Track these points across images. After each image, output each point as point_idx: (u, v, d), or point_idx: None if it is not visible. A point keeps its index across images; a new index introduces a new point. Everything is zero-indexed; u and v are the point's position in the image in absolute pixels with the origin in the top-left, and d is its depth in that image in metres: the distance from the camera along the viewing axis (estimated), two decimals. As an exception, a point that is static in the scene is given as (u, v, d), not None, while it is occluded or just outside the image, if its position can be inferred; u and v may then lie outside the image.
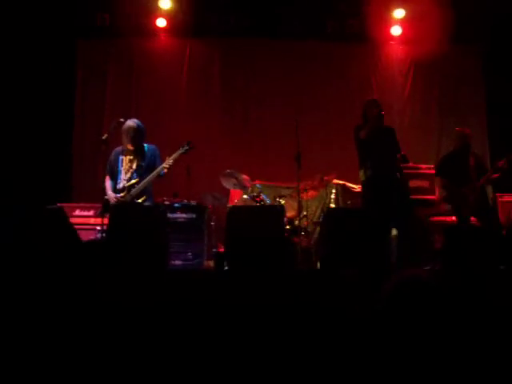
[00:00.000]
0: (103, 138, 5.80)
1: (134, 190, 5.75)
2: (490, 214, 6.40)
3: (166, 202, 6.64)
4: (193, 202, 6.63)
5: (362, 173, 5.86)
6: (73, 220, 6.79)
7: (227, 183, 7.12)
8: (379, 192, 5.70)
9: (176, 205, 6.50)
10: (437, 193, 6.85)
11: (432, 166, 6.84)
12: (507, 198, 6.89)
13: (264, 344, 3.42)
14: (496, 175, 6.47)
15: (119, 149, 5.95)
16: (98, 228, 6.27)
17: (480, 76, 8.81)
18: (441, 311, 3.77)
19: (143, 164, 5.82)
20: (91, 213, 7.00)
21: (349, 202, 7.01)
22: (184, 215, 6.42)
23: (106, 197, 5.80)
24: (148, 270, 5.24)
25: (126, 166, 5.85)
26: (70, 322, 3.63)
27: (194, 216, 6.43)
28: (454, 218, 6.53)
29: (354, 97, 8.44)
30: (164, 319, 4.13)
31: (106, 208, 5.63)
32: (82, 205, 7.15)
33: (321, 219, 6.39)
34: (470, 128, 6.97)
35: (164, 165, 5.71)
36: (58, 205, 6.51)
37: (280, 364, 3.11)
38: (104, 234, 5.53)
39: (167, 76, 8.82)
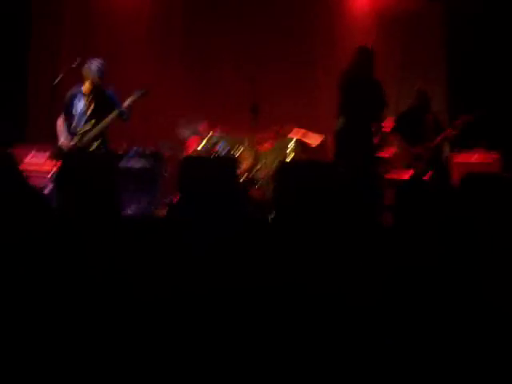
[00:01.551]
0: (58, 79, 5.71)
1: (89, 134, 5.66)
2: (442, 175, 6.51)
3: (121, 149, 6.56)
4: (148, 150, 6.57)
5: (338, 122, 5.87)
6: (27, 162, 6.68)
7: (185, 131, 7.07)
8: (350, 145, 5.74)
9: (131, 152, 6.43)
10: (391, 149, 6.91)
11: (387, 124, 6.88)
12: (461, 158, 6.97)
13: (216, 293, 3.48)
14: (453, 134, 6.55)
15: (77, 89, 5.81)
16: (53, 172, 6.16)
17: (443, 31, 8.80)
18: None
19: (101, 107, 5.71)
20: (47, 154, 6.84)
21: (306, 155, 7.02)
22: (139, 163, 6.35)
23: (59, 143, 5.71)
24: (99, 219, 5.22)
25: (84, 107, 5.73)
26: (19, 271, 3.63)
27: (149, 164, 6.37)
28: (406, 175, 6.62)
29: (316, 48, 8.40)
30: (116, 265, 4.15)
31: (58, 154, 5.56)
32: (38, 145, 6.99)
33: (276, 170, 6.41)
34: (430, 83, 7.01)
35: (122, 108, 5.62)
36: (13, 146, 6.38)
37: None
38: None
39: (126, 21, 8.59)
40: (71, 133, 5.70)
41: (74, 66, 5.81)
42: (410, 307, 3.23)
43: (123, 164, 6.14)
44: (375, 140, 6.06)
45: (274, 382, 1.99)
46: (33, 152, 6.90)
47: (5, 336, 2.58)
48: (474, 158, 6.82)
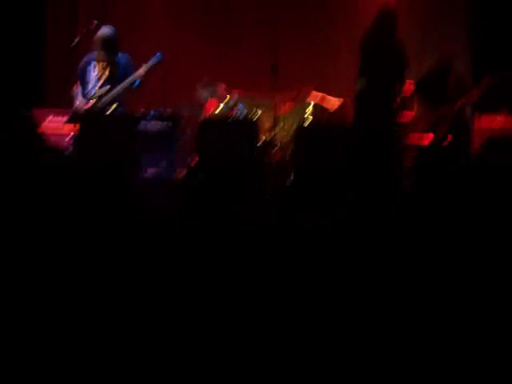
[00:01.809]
0: (75, 42, 5.70)
1: (105, 99, 5.65)
2: (464, 139, 6.41)
3: (139, 112, 6.55)
4: (166, 113, 6.54)
5: (358, 85, 5.80)
6: (46, 125, 6.71)
7: (203, 94, 7.04)
8: (370, 108, 5.68)
9: (150, 114, 6.41)
10: (412, 113, 6.81)
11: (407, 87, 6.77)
12: (484, 122, 6.81)
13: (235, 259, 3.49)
14: (476, 97, 6.43)
15: (92, 55, 5.80)
16: (71, 136, 6.17)
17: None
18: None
19: (116, 72, 5.70)
20: (65, 118, 6.87)
21: (325, 119, 6.96)
22: (158, 125, 6.33)
23: (74, 106, 5.72)
24: (119, 181, 5.25)
25: (99, 73, 5.72)
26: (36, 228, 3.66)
27: (168, 126, 6.34)
28: (427, 140, 6.53)
29: (337, 10, 8.27)
30: (135, 229, 4.18)
31: (74, 118, 5.57)
32: (56, 110, 7.02)
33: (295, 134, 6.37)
34: (453, 44, 6.86)
35: (136, 74, 5.59)
36: (32, 109, 6.39)
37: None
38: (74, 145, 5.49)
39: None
40: (86, 98, 5.70)
41: (91, 28, 5.80)
42: (428, 273, 3.21)
43: (141, 127, 6.12)
44: (396, 103, 5.97)
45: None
46: (51, 116, 6.92)
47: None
48: (498, 121, 6.68)
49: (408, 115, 6.86)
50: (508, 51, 7.73)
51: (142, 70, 5.63)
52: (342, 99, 7.13)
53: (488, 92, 6.42)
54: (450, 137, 6.40)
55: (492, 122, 6.80)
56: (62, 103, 7.07)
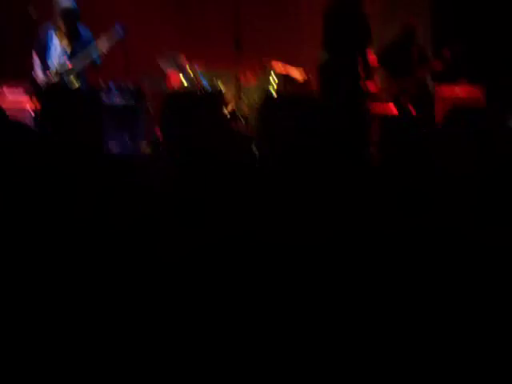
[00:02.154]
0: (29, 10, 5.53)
1: (67, 72, 5.51)
2: (427, 108, 6.50)
3: (102, 86, 6.40)
4: (129, 86, 6.42)
5: (321, 56, 5.79)
6: (1, 99, 6.48)
7: (164, 65, 6.94)
8: (334, 79, 5.67)
9: (112, 89, 6.27)
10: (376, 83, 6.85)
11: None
12: (446, 92, 6.89)
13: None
14: (438, 67, 6.51)
15: (50, 26, 5.62)
16: (29, 108, 5.99)
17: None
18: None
19: (77, 48, 5.55)
20: (20, 90, 6.63)
21: (290, 90, 6.94)
22: (121, 100, 6.20)
23: (34, 80, 5.55)
24: (83, 156, 5.14)
25: (59, 48, 5.56)
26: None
27: (131, 101, 6.22)
28: (391, 110, 6.59)
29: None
30: (103, 203, 4.11)
31: (35, 92, 5.41)
32: (10, 82, 6.77)
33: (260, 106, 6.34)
34: (415, 16, 6.89)
35: (97, 47, 5.47)
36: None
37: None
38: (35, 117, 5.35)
39: None
40: (47, 71, 5.55)
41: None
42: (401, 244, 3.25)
43: (103, 101, 6.00)
44: (359, 75, 5.99)
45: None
46: (5, 88, 6.66)
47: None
48: (459, 91, 6.78)
49: (371, 86, 6.90)
50: (466, 24, 7.82)
51: (102, 43, 5.50)
52: (304, 69, 7.11)
53: (448, 63, 6.51)
54: (412, 107, 6.48)
55: (453, 92, 6.89)
56: (16, 76, 6.86)
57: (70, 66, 5.50)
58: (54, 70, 5.51)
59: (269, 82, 6.91)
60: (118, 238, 3.16)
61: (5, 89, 6.59)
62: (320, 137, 5.54)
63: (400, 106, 6.49)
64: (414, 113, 6.45)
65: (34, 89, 5.56)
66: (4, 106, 5.95)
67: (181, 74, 6.86)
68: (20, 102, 6.33)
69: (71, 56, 5.53)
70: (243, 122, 6.61)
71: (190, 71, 6.89)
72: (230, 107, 6.70)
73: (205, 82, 6.74)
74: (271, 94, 6.78)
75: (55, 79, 5.49)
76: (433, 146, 5.62)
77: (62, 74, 5.50)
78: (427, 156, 5.43)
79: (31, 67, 5.67)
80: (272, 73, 6.98)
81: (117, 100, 6.09)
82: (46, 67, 5.56)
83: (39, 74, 5.57)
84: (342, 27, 5.76)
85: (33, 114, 5.55)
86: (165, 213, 3.88)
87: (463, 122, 5.73)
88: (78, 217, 3.61)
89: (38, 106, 5.36)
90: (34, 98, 5.47)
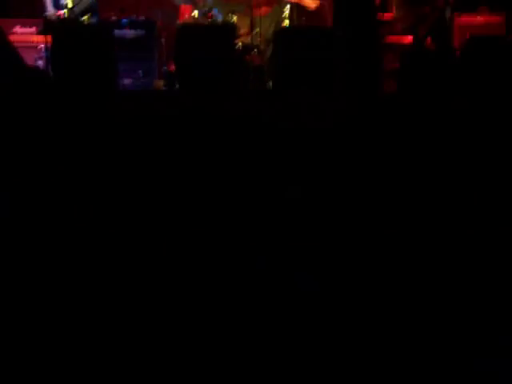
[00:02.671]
0: None
1: (77, 7, 5.44)
2: (446, 37, 6.34)
3: (113, 18, 6.31)
4: (141, 18, 6.33)
5: None
6: (13, 38, 6.42)
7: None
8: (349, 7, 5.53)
9: (123, 21, 6.19)
10: (393, 10, 6.70)
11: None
12: (465, 19, 6.69)
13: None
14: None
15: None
16: (42, 46, 5.94)
17: None
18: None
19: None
20: (33, 29, 6.58)
21: (304, 19, 6.80)
22: (132, 32, 6.12)
23: (46, 13, 5.49)
24: (97, 90, 5.12)
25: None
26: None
27: (142, 33, 6.15)
28: (409, 38, 6.45)
29: None
30: (115, 139, 4.12)
31: (47, 26, 5.36)
32: (21, 20, 6.70)
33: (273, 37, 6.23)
34: None
35: None
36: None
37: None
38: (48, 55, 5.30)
39: None
40: (58, 7, 5.48)
41: None
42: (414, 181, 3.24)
43: (116, 35, 5.93)
44: (376, 2, 5.85)
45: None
46: (18, 26, 6.60)
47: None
48: (478, 19, 6.58)
49: (387, 16, 6.75)
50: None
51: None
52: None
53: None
54: (429, 38, 6.34)
55: (473, 19, 6.70)
56: (29, 13, 6.78)
57: (80, 0, 5.43)
58: (65, 5, 5.45)
59: (282, 12, 6.78)
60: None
61: (18, 28, 6.55)
62: (331, 68, 5.44)
63: (417, 36, 6.35)
64: (430, 42, 6.31)
65: (45, 25, 5.51)
66: (17, 45, 5.94)
67: (193, 9, 6.74)
68: (32, 39, 6.29)
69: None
70: (256, 53, 6.52)
71: (202, 5, 6.78)
72: (243, 39, 6.61)
73: (218, 16, 6.62)
74: (284, 24, 6.67)
75: (67, 14, 5.43)
76: (450, 77, 5.50)
77: (73, 9, 5.44)
78: (447, 85, 5.34)
79: (43, 4, 5.60)
80: (285, 2, 6.84)
81: (129, 33, 6.02)
82: (57, 3, 5.49)
83: (50, 9, 5.51)
84: None
85: (45, 52, 5.50)
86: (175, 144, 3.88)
87: (482, 50, 5.59)
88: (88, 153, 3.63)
89: (51, 43, 5.30)
90: (47, 35, 5.41)
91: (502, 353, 1.66)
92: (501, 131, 3.93)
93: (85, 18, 5.46)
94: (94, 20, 5.51)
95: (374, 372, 1.61)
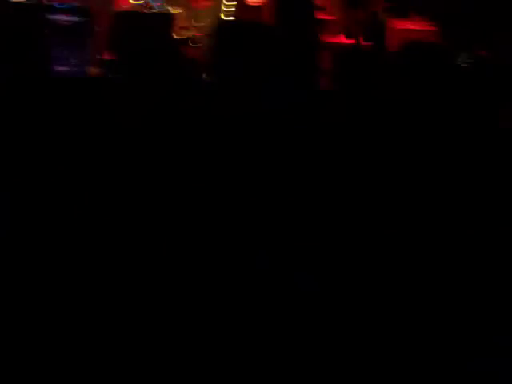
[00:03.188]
0: None
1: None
2: (379, 39, 6.52)
3: (46, 3, 6.09)
4: (75, 3, 6.14)
5: None
6: None
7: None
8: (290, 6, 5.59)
9: (56, 5, 5.98)
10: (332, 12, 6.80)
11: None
12: (399, 24, 6.86)
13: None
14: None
15: None
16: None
17: None
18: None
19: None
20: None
21: (244, 14, 6.80)
22: (66, 17, 5.93)
23: None
24: (29, 76, 4.94)
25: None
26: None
27: (76, 19, 5.96)
28: (345, 39, 6.58)
29: None
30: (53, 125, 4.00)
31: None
32: None
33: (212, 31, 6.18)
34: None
35: None
36: None
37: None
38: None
39: None
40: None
41: None
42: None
43: (50, 20, 5.72)
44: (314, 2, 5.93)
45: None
46: None
47: None
48: (414, 24, 6.77)
49: (325, 15, 6.85)
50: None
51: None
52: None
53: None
54: (362, 38, 6.51)
55: (405, 25, 6.88)
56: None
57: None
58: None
59: (223, 6, 6.76)
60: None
61: None
62: (272, 62, 5.46)
63: (351, 37, 6.51)
64: (363, 43, 6.49)
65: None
66: None
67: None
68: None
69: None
70: (195, 48, 6.46)
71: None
72: (181, 32, 6.54)
73: (156, 5, 6.53)
74: (225, 17, 6.64)
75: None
76: (382, 77, 5.62)
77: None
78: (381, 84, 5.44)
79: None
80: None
81: (62, 18, 5.82)
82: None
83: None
84: None
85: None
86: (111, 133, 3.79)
87: (418, 55, 5.73)
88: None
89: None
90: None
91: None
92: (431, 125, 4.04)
93: (16, -1, 5.24)
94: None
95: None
